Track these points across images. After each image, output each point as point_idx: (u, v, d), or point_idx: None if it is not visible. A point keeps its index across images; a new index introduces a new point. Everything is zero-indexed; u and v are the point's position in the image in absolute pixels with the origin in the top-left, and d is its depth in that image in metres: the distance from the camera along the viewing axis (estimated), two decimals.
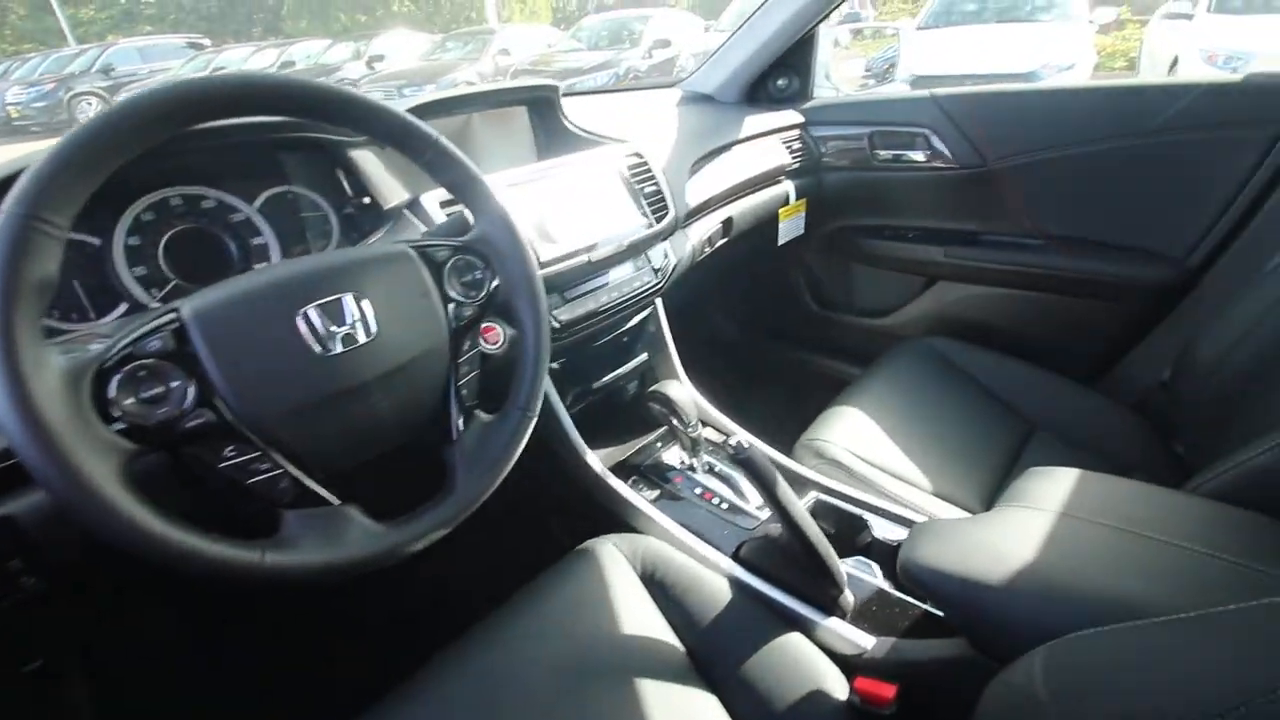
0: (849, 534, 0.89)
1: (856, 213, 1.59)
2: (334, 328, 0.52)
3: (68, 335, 0.61)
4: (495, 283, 0.64)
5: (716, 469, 0.99)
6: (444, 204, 0.82)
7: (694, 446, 0.95)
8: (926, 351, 1.27)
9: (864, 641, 0.72)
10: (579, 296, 0.94)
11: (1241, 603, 0.50)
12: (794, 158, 1.46)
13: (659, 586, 0.79)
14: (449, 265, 0.61)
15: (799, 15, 1.34)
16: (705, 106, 1.47)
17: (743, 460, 0.71)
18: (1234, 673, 0.34)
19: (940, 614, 0.72)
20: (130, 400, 0.45)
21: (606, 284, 0.98)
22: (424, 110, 0.92)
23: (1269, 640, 0.37)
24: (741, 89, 1.53)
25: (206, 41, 13.14)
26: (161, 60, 11.28)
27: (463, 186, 0.63)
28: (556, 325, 0.91)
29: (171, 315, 0.48)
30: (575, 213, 0.92)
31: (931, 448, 1.07)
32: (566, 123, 1.13)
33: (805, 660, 0.70)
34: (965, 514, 0.95)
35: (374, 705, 0.65)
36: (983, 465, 1.06)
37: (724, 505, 0.93)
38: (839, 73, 1.59)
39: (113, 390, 0.44)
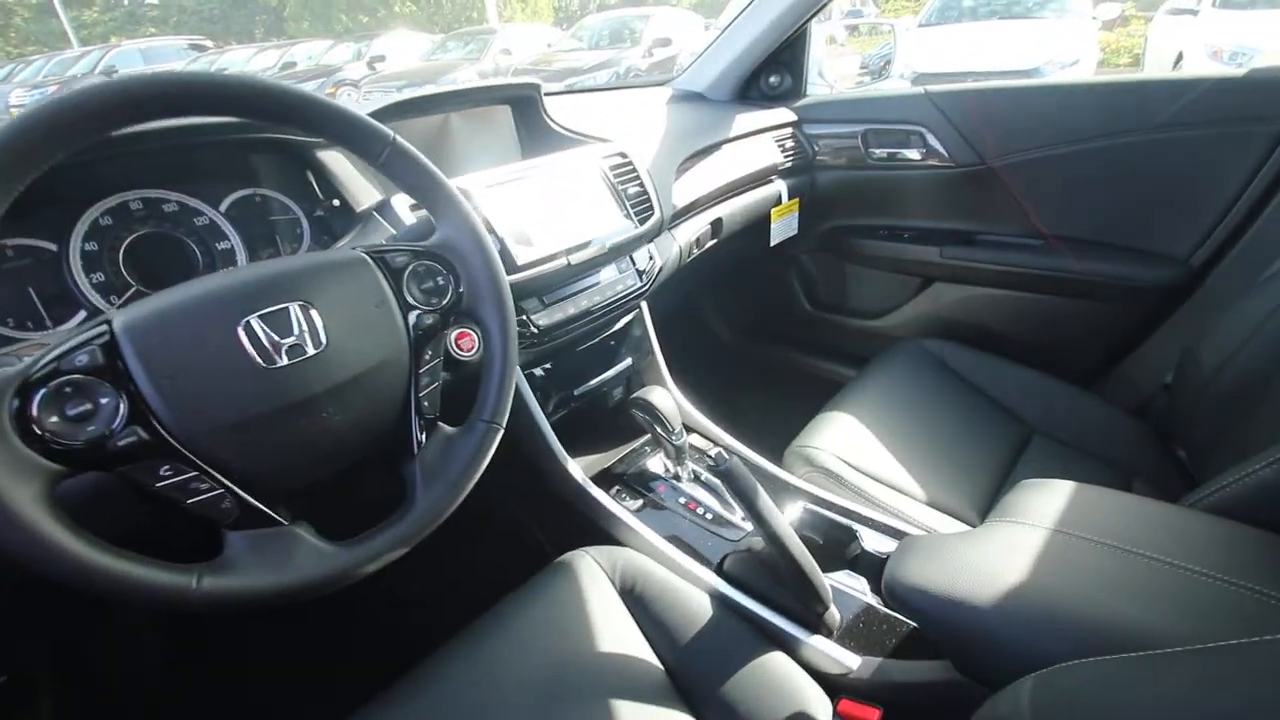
0: (838, 546, 0.86)
1: (851, 212, 1.56)
2: (279, 339, 0.49)
3: (19, 344, 0.59)
4: (459, 289, 0.61)
5: (702, 478, 0.96)
6: (414, 206, 0.79)
7: (678, 455, 0.92)
8: (921, 354, 1.24)
9: (849, 661, 0.69)
10: (559, 301, 0.92)
11: (1244, 631, 0.48)
12: (786, 156, 1.43)
13: (638, 601, 0.76)
14: (408, 271, 0.58)
15: (790, 11, 1.31)
16: (695, 105, 1.44)
17: (722, 473, 0.69)
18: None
19: None
20: (54, 418, 0.42)
21: (588, 288, 0.95)
22: (397, 109, 0.89)
23: (1277, 682, 0.34)
24: (733, 87, 1.50)
25: (209, 43, 13.17)
26: (164, 62, 11.28)
27: (422, 188, 0.60)
28: (535, 331, 0.88)
29: (101, 328, 0.45)
30: (554, 215, 0.89)
31: (926, 454, 1.04)
32: (549, 122, 1.10)
33: (787, 680, 0.67)
34: (959, 524, 0.92)
35: None
36: (979, 472, 1.02)
37: (708, 516, 0.90)
38: (835, 70, 1.56)
39: (35, 408, 0.41)
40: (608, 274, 0.99)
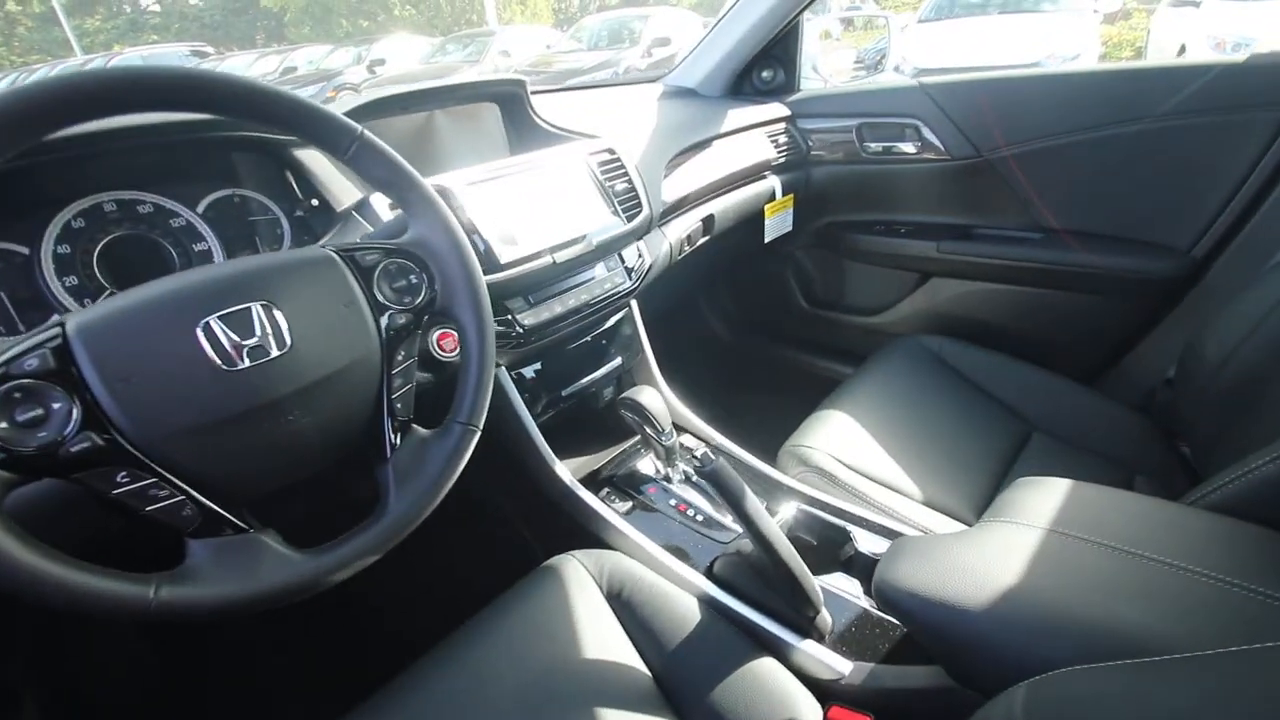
0: (831, 547, 0.84)
1: (846, 207, 1.53)
2: (240, 340, 0.47)
3: None
4: (433, 288, 0.59)
5: (693, 478, 0.94)
6: (393, 205, 0.78)
7: (668, 455, 0.91)
8: (918, 350, 1.21)
9: (841, 666, 0.67)
10: (545, 300, 0.90)
11: (1246, 634, 0.45)
12: (780, 152, 1.41)
13: (626, 606, 0.75)
14: (379, 270, 0.57)
15: (781, 5, 1.30)
16: (687, 101, 1.43)
17: (708, 473, 0.67)
18: None
19: None
20: (2, 424, 0.40)
21: (575, 286, 0.94)
22: (375, 107, 0.88)
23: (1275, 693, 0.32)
24: (725, 82, 1.48)
25: (210, 49, 13.21)
26: None
27: (393, 184, 0.59)
28: (520, 330, 0.87)
29: (54, 331, 0.44)
30: (539, 212, 0.88)
31: (923, 452, 1.02)
32: (536, 118, 1.08)
33: (778, 687, 0.65)
34: (956, 524, 0.90)
35: None
36: (977, 470, 1.00)
37: (699, 518, 0.88)
38: (830, 64, 1.54)
39: None
40: (595, 272, 0.97)
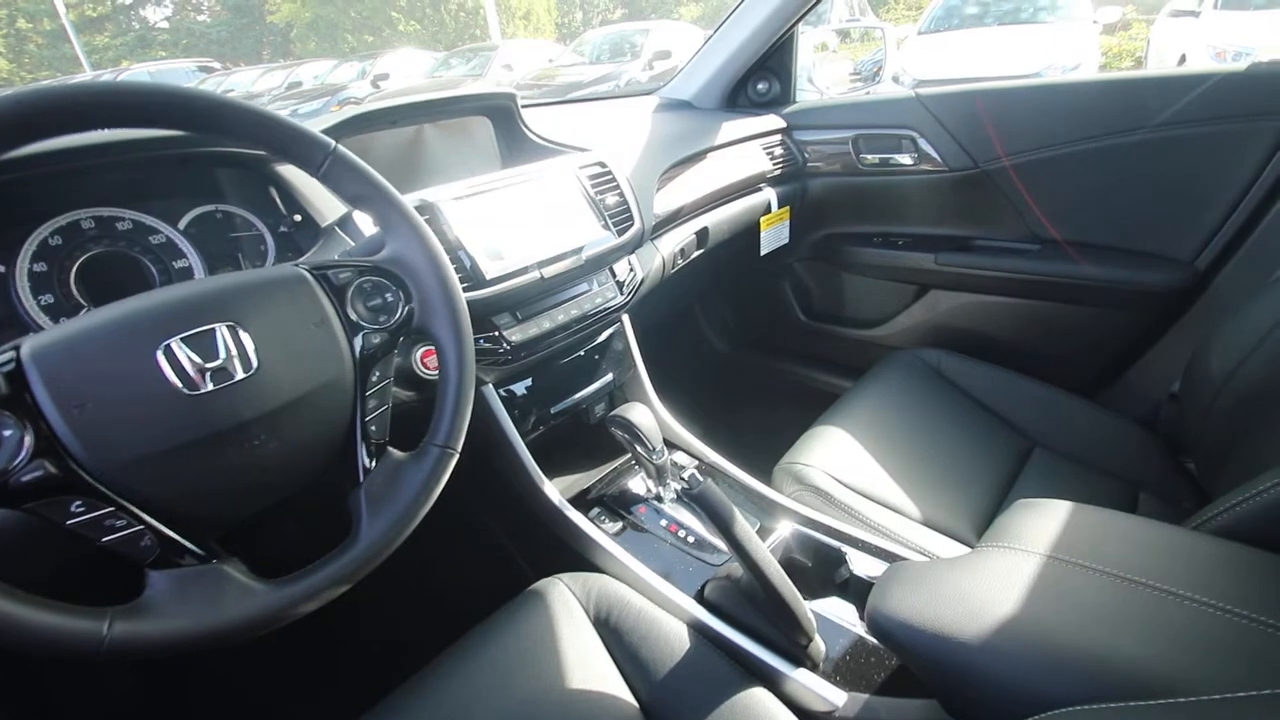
0: (827, 570, 0.82)
1: (844, 220, 1.52)
2: (203, 363, 0.46)
3: None
4: (409, 306, 0.58)
5: (685, 499, 0.92)
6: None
7: (659, 474, 0.88)
8: (917, 364, 1.19)
9: (835, 698, 0.64)
10: (534, 316, 0.88)
11: (1252, 669, 0.43)
12: (775, 164, 1.39)
13: (613, 632, 0.72)
14: (352, 289, 0.55)
15: (774, 16, 1.29)
16: (681, 113, 1.42)
17: (695, 496, 0.65)
18: None
19: None
20: None
21: (564, 301, 0.92)
22: (364, 120, 0.87)
23: None
24: (720, 94, 1.47)
25: (216, 65, 13.37)
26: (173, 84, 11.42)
27: (368, 200, 0.57)
28: (508, 347, 0.85)
29: (9, 355, 0.42)
30: (526, 227, 0.86)
31: (921, 470, 0.99)
32: (527, 132, 1.07)
33: (770, 719, 0.62)
34: (956, 545, 0.87)
35: None
36: (978, 488, 0.98)
37: (690, 539, 0.85)
38: (826, 75, 1.53)
39: None
40: (585, 287, 0.95)
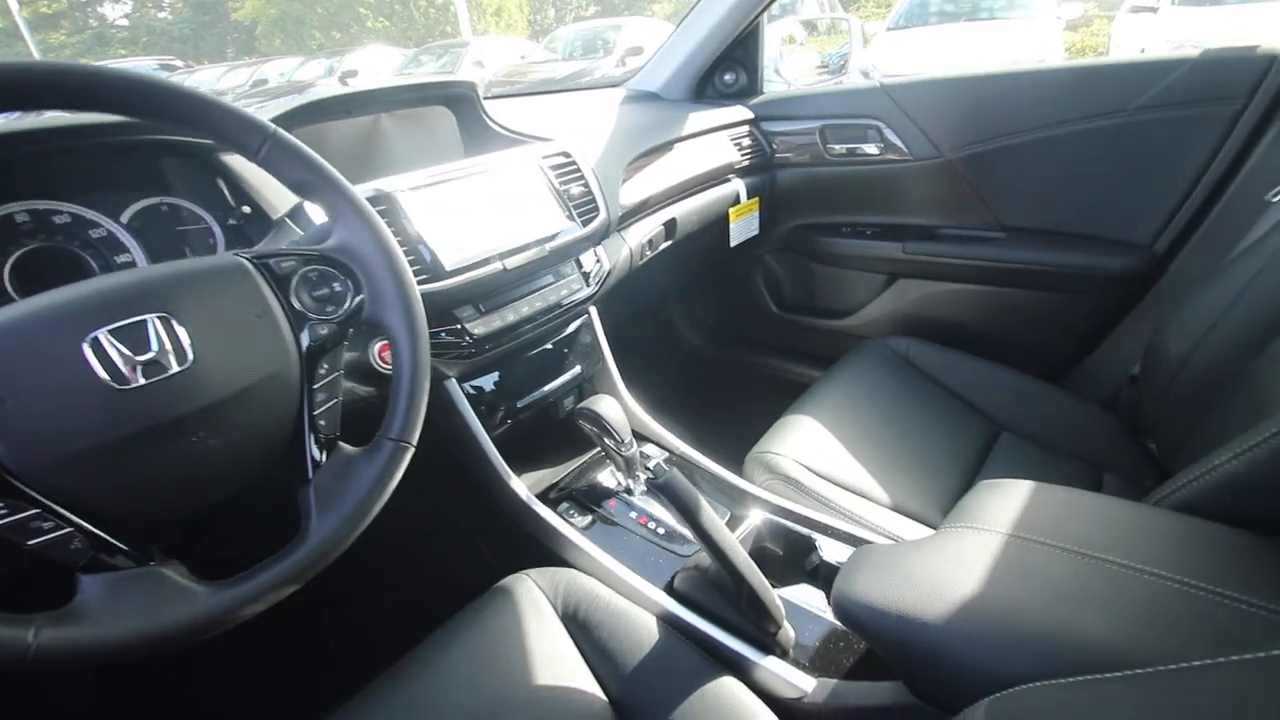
0: (798, 557, 0.81)
1: (813, 210, 1.52)
2: (134, 356, 0.44)
3: None
4: (359, 296, 0.56)
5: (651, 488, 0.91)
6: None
7: (628, 467, 0.87)
8: (886, 352, 1.20)
9: (804, 684, 0.64)
10: (498, 308, 0.87)
11: (1212, 641, 0.43)
12: (744, 155, 1.39)
13: (582, 626, 0.71)
14: (296, 278, 0.53)
15: (739, 7, 1.29)
16: (648, 104, 1.40)
17: (661, 485, 0.64)
18: None
19: None
20: None
21: (529, 293, 0.91)
22: (315, 109, 0.84)
23: (1240, 708, 0.30)
24: (688, 85, 1.46)
25: (179, 63, 13.03)
26: None
27: (312, 186, 0.55)
28: (470, 340, 0.83)
29: None
30: (488, 217, 0.85)
31: (890, 456, 0.99)
32: (489, 121, 1.05)
33: (739, 708, 0.62)
34: (923, 529, 0.87)
35: None
36: (945, 473, 0.98)
37: (661, 531, 0.84)
38: (794, 67, 1.53)
39: None
40: (550, 278, 0.94)
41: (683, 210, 1.23)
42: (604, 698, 0.65)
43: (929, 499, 0.93)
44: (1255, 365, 0.77)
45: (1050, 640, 0.46)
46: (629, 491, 0.90)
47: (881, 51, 5.75)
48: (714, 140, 1.34)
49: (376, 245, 0.56)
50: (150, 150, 0.75)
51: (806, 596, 0.75)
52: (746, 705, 0.62)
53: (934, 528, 0.89)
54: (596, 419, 0.83)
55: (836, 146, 1.40)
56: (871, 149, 1.36)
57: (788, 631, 0.68)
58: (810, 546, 0.81)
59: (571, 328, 1.04)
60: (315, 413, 0.53)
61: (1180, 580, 0.49)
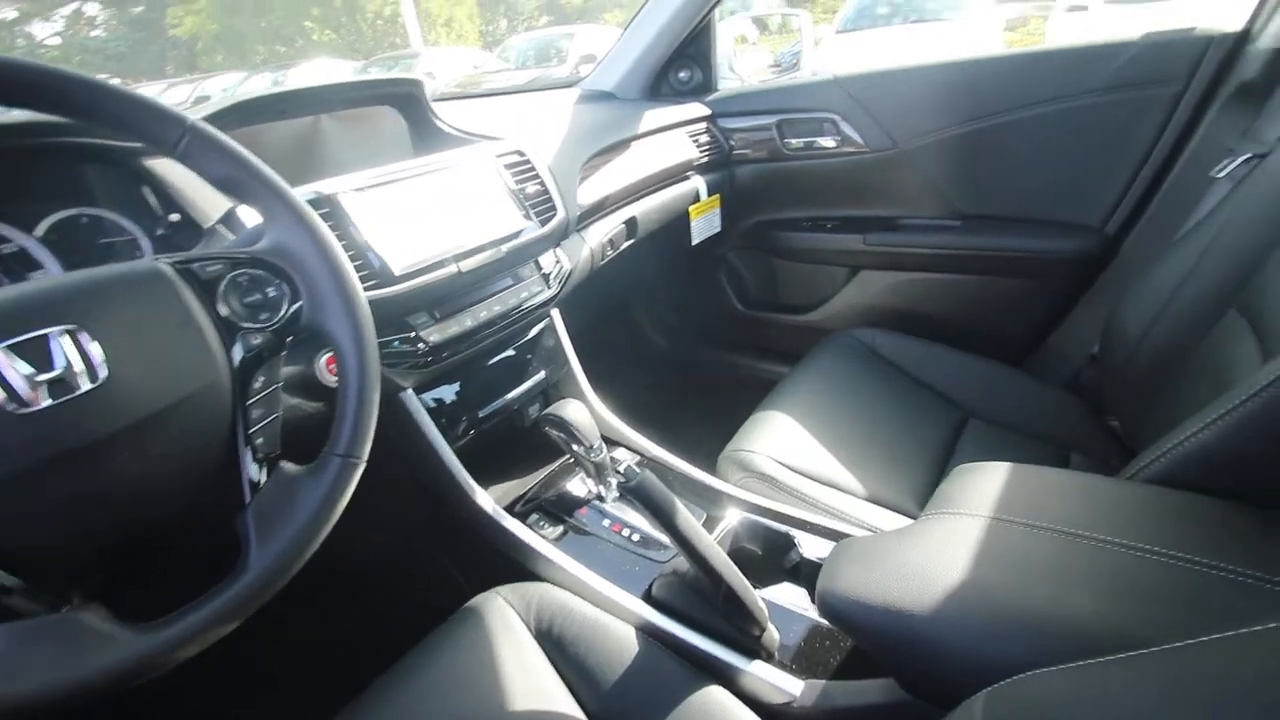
0: (777, 555, 0.79)
1: (773, 205, 1.52)
2: (36, 374, 0.39)
3: None
4: (297, 303, 0.52)
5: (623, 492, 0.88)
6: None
7: (599, 473, 0.84)
8: (853, 344, 1.19)
9: (792, 688, 0.62)
10: (454, 314, 0.83)
11: (1199, 612, 0.43)
12: (702, 151, 1.38)
13: (557, 643, 0.67)
14: (224, 284, 0.48)
15: (689, 4, 1.27)
16: (604, 104, 1.38)
17: (633, 489, 0.61)
18: None
19: None
20: None
21: (487, 297, 0.87)
22: (248, 110, 0.79)
23: (1240, 684, 0.28)
24: (642, 84, 1.44)
25: (115, 81, 12.51)
26: None
27: (239, 183, 0.51)
28: (425, 348, 0.79)
29: None
30: (440, 218, 0.81)
31: (863, 447, 0.98)
32: (438, 122, 1.01)
33: (726, 717, 0.59)
34: (901, 518, 0.86)
35: None
36: (917, 461, 0.98)
37: (635, 537, 0.81)
38: (748, 64, 1.52)
39: None
40: (509, 281, 0.90)
41: (643, 209, 1.20)
42: (582, 716, 0.62)
43: (903, 488, 0.93)
44: (1209, 339, 0.78)
45: (1041, 624, 0.45)
46: (600, 498, 0.87)
47: (830, 55, 5.89)
48: (671, 137, 1.32)
49: (313, 244, 0.52)
50: (70, 156, 0.70)
51: (789, 596, 0.73)
52: (733, 714, 0.59)
53: (911, 517, 0.88)
54: (563, 424, 0.80)
55: (794, 141, 1.40)
56: (828, 142, 1.37)
57: (772, 634, 0.66)
58: (789, 544, 0.79)
59: (534, 332, 1.00)
60: (251, 430, 0.49)
61: (1159, 551, 0.48)
